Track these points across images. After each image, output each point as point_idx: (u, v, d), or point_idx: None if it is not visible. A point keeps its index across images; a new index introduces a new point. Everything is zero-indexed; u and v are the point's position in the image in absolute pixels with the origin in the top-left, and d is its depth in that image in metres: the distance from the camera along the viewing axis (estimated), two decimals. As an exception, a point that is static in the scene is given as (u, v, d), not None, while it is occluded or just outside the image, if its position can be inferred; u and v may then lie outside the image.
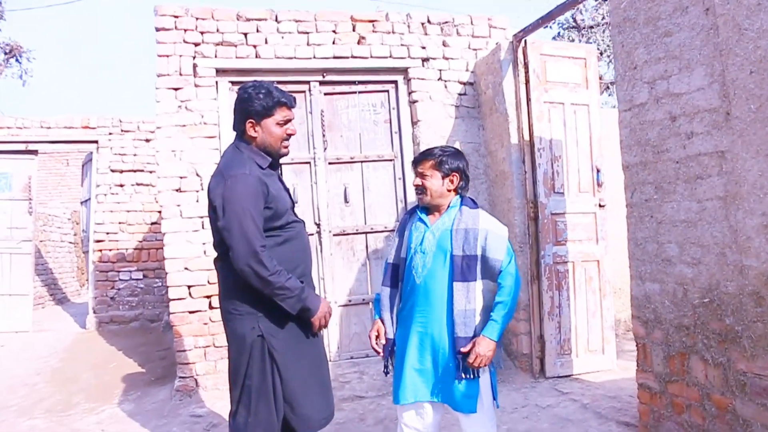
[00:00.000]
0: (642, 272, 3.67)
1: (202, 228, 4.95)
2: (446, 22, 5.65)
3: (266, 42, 5.22)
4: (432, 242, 2.88)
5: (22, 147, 8.54)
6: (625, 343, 5.95)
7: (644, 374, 3.71)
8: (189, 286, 4.95)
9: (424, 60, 5.57)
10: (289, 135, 2.80)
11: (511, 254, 2.89)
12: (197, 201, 4.98)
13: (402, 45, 5.50)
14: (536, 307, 5.05)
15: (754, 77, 2.82)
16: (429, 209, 2.99)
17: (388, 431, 4.17)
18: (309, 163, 5.42)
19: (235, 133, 2.83)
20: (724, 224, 3.03)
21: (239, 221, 2.52)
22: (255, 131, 2.73)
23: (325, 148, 5.44)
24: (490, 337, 2.75)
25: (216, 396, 4.89)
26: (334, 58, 5.36)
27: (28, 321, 8.71)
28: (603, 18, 12.38)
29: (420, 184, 2.92)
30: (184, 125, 5.02)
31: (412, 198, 5.54)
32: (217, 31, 5.13)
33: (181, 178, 4.98)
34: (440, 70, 5.60)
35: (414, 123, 5.54)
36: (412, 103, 5.54)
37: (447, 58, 5.62)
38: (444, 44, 5.62)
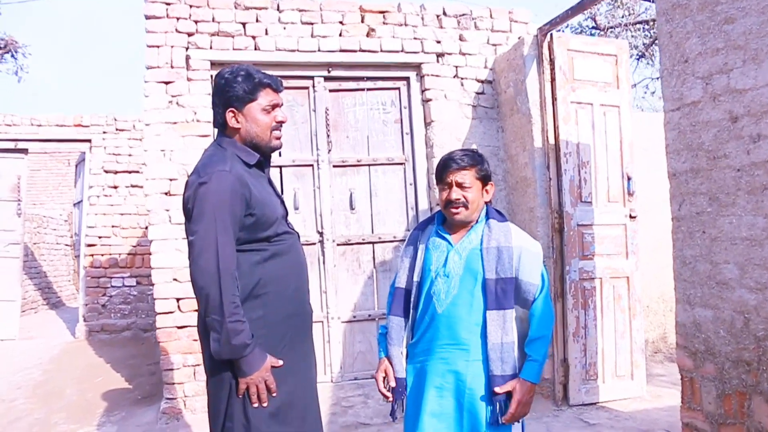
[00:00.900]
0: (691, 296, 3.19)
1: (194, 236, 4.50)
2: (463, 15, 5.19)
3: (266, 33, 4.77)
4: (458, 264, 2.44)
5: (11, 145, 8.11)
6: (653, 365, 5.47)
7: (691, 413, 3.23)
8: (178, 299, 4.50)
9: (439, 55, 5.11)
10: (280, 123, 2.35)
11: (546, 277, 2.46)
12: (188, 206, 4.52)
13: (415, 38, 5.05)
14: (560, 327, 4.58)
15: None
16: (447, 223, 2.55)
17: (395, 469, 3.71)
18: (312, 165, 4.96)
19: (216, 130, 2.40)
20: (800, 244, 2.56)
21: (206, 229, 2.09)
22: (238, 121, 2.29)
23: (330, 150, 4.99)
24: (531, 381, 2.33)
25: (205, 420, 4.39)
26: (341, 51, 4.91)
27: (15, 329, 8.28)
28: (623, 16, 11.89)
29: (461, 197, 2.43)
30: (175, 122, 4.58)
31: (425, 205, 5.08)
32: (213, 20, 4.69)
33: (170, 180, 4.53)
34: (456, 67, 5.14)
35: (427, 124, 5.08)
36: (426, 101, 5.09)
37: (464, 54, 5.16)
38: (461, 38, 5.17)
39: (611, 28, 11.93)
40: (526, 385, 2.32)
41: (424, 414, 2.38)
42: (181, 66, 4.64)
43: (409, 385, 2.51)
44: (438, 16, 5.14)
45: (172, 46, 4.63)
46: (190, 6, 4.65)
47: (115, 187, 8.19)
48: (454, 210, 2.44)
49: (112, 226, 8.17)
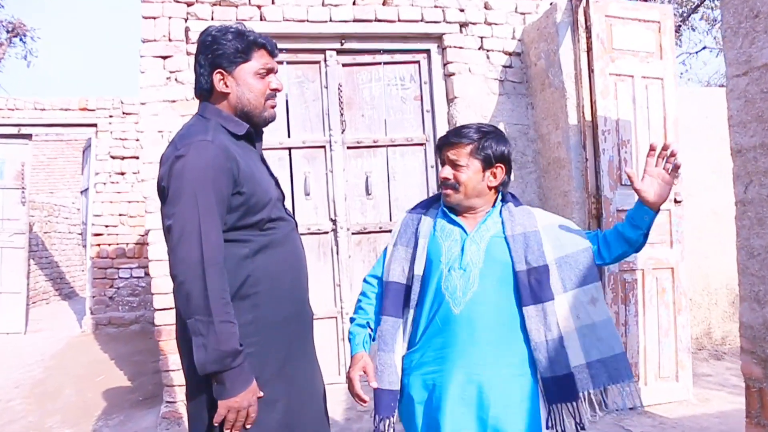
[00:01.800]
0: (760, 293, 2.73)
1: (194, 224, 4.11)
2: (489, -20, 4.73)
3: (273, 2, 4.35)
4: (477, 255, 2.04)
5: (14, 130, 7.80)
6: (697, 364, 5.00)
7: (759, 429, 2.77)
8: (178, 294, 4.12)
9: (463, 25, 4.65)
10: (274, 90, 1.97)
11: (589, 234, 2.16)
12: (188, 191, 4.13)
13: (436, 7, 4.60)
14: (598, 324, 4.13)
15: None
16: (455, 210, 2.14)
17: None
18: (324, 147, 4.55)
19: (199, 102, 2.00)
20: None
21: (186, 211, 1.70)
22: (227, 85, 1.90)
23: (344, 130, 4.56)
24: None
25: (209, 426, 4.06)
26: (355, 21, 4.47)
27: (21, 321, 7.98)
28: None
29: (450, 177, 2.07)
30: (174, 101, 4.18)
31: (447, 190, 4.64)
32: (215, -13, 4.28)
33: (169, 163, 4.13)
34: (481, 38, 4.68)
35: (450, 100, 4.64)
36: (448, 76, 4.63)
37: (489, 24, 4.70)
38: (486, 6, 4.70)
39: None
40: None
41: None
42: (180, 39, 4.24)
43: (417, 401, 2.08)
44: (461, -18, 4.68)
45: (170, 17, 4.23)
46: (189, -28, 4.25)
47: (122, 174, 7.84)
48: (444, 192, 2.10)
49: (120, 215, 7.83)
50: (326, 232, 4.52)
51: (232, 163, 1.77)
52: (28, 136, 8.00)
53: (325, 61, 4.56)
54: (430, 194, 4.67)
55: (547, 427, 2.00)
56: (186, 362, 1.88)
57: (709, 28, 13.20)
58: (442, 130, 4.64)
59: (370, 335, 2.18)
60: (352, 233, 4.57)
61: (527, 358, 2.02)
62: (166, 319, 4.12)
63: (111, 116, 7.85)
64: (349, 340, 2.19)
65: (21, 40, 11.97)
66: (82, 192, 8.90)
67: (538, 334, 1.99)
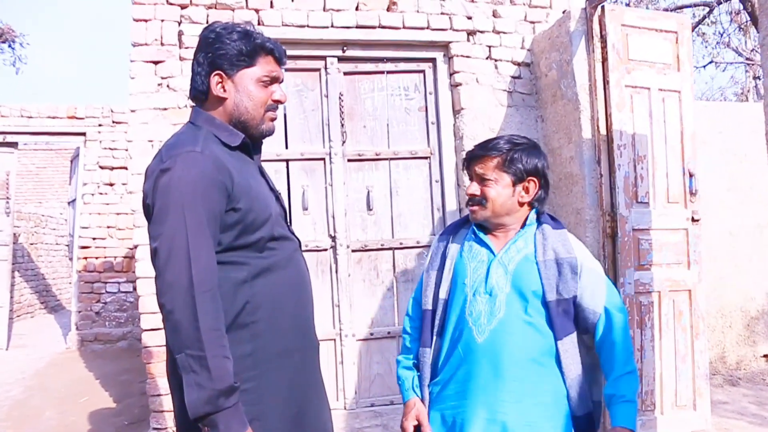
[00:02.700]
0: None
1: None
2: (497, -12, 4.53)
3: (272, 5, 4.13)
4: (503, 279, 1.86)
5: (-1, 139, 7.53)
6: (713, 391, 4.78)
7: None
8: (167, 314, 3.86)
9: (470, 33, 4.44)
10: (277, 102, 1.77)
11: (617, 298, 1.94)
12: (179, 205, 3.89)
13: (443, 14, 4.38)
14: (612, 349, 3.91)
15: None
16: (485, 229, 1.97)
17: None
18: (323, 159, 4.31)
19: (193, 106, 1.80)
20: None
21: (173, 230, 1.49)
22: (225, 89, 1.70)
23: (344, 142, 4.34)
24: (630, 428, 1.81)
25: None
26: (357, 27, 4.25)
27: (2, 337, 7.71)
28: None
29: (477, 192, 1.91)
30: (165, 108, 3.95)
31: (453, 206, 4.42)
32: (210, -11, 4.06)
33: (159, 175, 3.89)
34: (489, 47, 4.47)
35: (456, 112, 4.41)
36: (454, 86, 4.42)
37: (498, 32, 4.49)
38: (494, 14, 4.50)
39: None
40: None
41: None
42: (173, 43, 4.01)
43: None
44: (469, -11, 4.48)
45: (162, 20, 4.00)
46: (184, -27, 4.02)
47: (111, 185, 7.59)
48: (471, 209, 1.95)
49: (108, 227, 7.57)
50: (325, 250, 4.28)
51: (225, 177, 1.57)
52: (14, 145, 7.75)
53: (326, 68, 4.34)
54: (435, 210, 4.45)
55: None
56: (177, 400, 1.66)
57: (717, 41, 13.07)
58: (448, 142, 4.42)
59: (419, 376, 2.02)
60: (353, 251, 4.32)
61: (559, 398, 1.83)
62: (154, 340, 3.86)
63: (100, 125, 7.61)
64: (399, 385, 2.05)
65: (9, 46, 11.73)
66: (69, 203, 8.63)
67: (572, 369, 1.82)
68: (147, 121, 3.93)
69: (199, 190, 1.51)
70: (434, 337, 1.97)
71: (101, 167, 7.59)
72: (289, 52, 4.15)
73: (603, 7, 3.96)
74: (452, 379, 1.89)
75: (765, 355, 5.29)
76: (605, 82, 3.96)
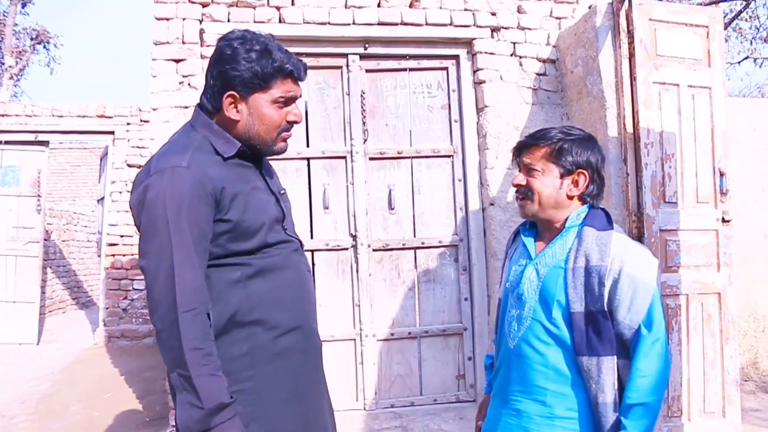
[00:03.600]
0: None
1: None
2: (522, -17, 4.45)
3: (293, 3, 4.11)
4: (533, 286, 1.78)
5: (31, 137, 7.65)
6: (743, 397, 4.63)
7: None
8: (187, 312, 3.87)
9: (494, 30, 4.37)
10: (291, 123, 1.71)
11: (659, 317, 1.70)
12: (200, 203, 3.88)
13: (466, 10, 4.32)
14: (638, 353, 3.81)
15: None
16: (539, 227, 1.90)
17: None
18: (344, 158, 4.28)
19: (198, 109, 1.74)
20: None
21: (159, 249, 1.48)
22: (237, 111, 1.65)
23: (366, 140, 4.30)
24: None
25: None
26: (379, 25, 4.20)
27: (34, 332, 7.80)
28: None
29: (524, 183, 1.82)
30: (186, 107, 3.95)
31: (476, 205, 4.35)
32: (231, -13, 4.05)
33: (179, 173, 3.90)
34: (514, 44, 4.39)
35: (479, 109, 4.35)
36: (478, 84, 4.35)
37: (523, 29, 4.41)
38: (519, 10, 4.42)
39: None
40: None
41: None
42: (194, 41, 4.01)
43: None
44: (493, -16, 4.40)
45: (183, 19, 4.01)
46: (205, -29, 4.02)
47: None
48: (519, 202, 1.85)
49: (135, 225, 7.62)
50: (346, 249, 4.25)
51: (213, 189, 1.53)
52: (45, 143, 7.85)
53: (348, 66, 4.30)
54: (457, 209, 4.39)
55: None
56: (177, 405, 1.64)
57: (754, 35, 12.73)
58: (471, 141, 4.36)
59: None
60: (374, 250, 4.28)
61: (587, 416, 1.71)
62: (173, 339, 3.87)
63: (128, 123, 7.69)
64: (486, 373, 2.11)
65: (44, 47, 11.92)
66: (98, 201, 8.74)
67: (602, 395, 1.67)
68: (169, 120, 3.94)
69: (185, 207, 1.49)
70: (494, 335, 2.01)
71: (129, 165, 7.67)
72: (310, 50, 4.17)
73: (630, 2, 3.84)
74: (497, 379, 1.89)
75: (800, 361, 5.12)
76: (632, 79, 3.85)
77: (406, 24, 4.23)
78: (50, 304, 10.42)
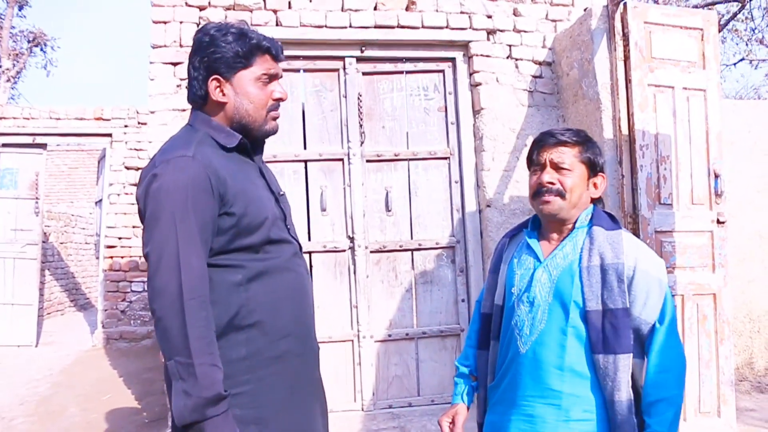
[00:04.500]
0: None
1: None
2: (518, -14, 4.47)
3: (290, 6, 4.13)
4: (546, 288, 1.78)
5: (29, 140, 7.68)
6: (739, 397, 4.66)
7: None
8: (185, 314, 3.88)
9: (490, 32, 4.39)
10: (278, 100, 1.74)
11: (672, 311, 1.74)
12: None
13: (462, 13, 4.34)
14: (634, 354, 3.83)
15: None
16: (541, 229, 1.89)
17: None
18: (341, 160, 4.30)
19: (195, 110, 1.78)
20: None
21: (164, 238, 1.49)
22: (224, 94, 1.68)
23: (363, 142, 4.32)
24: None
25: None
26: (376, 27, 4.23)
27: (32, 334, 7.82)
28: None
29: (555, 181, 1.79)
30: (184, 110, 3.96)
31: (473, 207, 4.37)
32: (228, -9, 4.07)
33: (177, 176, 3.91)
34: (510, 46, 4.42)
35: (476, 112, 4.37)
36: (474, 86, 4.38)
37: (519, 31, 4.44)
38: (515, 13, 4.45)
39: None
40: None
41: None
42: (192, 39, 4.02)
43: None
44: (489, -12, 4.43)
45: (181, 22, 4.03)
46: (202, -25, 4.04)
47: (136, 185, 7.66)
48: (545, 199, 1.78)
49: (133, 227, 7.65)
50: (343, 250, 4.27)
51: (217, 181, 1.55)
52: (43, 146, 7.88)
53: (344, 69, 4.32)
54: (454, 211, 4.41)
55: None
56: (173, 404, 1.65)
57: (749, 37, 12.77)
58: (468, 143, 4.38)
59: (473, 387, 2.02)
60: (371, 252, 4.30)
61: (603, 418, 1.71)
62: (172, 341, 3.88)
63: (126, 126, 7.72)
64: (454, 386, 2.06)
65: (41, 49, 11.93)
66: (96, 203, 8.75)
67: (618, 394, 1.68)
68: (166, 122, 3.95)
69: (190, 197, 1.51)
70: (492, 341, 1.94)
71: (127, 168, 7.69)
72: (306, 53, 4.20)
73: (625, 4, 3.88)
74: (502, 386, 1.86)
75: (796, 361, 5.15)
76: (627, 81, 3.88)
77: (402, 27, 4.26)
78: (48, 306, 10.43)
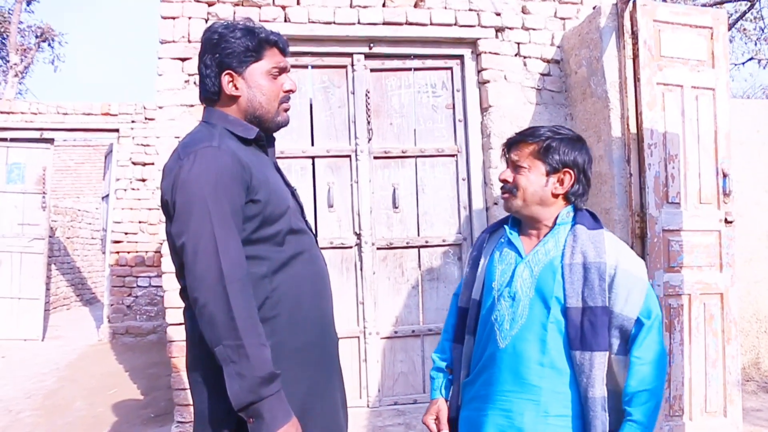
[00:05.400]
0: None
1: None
2: (527, -17, 4.46)
3: (298, 2, 4.13)
4: (527, 283, 1.79)
5: (36, 134, 7.69)
6: (746, 397, 4.65)
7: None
8: (192, 309, 3.89)
9: (499, 30, 4.39)
10: (288, 92, 1.78)
11: (656, 308, 1.75)
12: (205, 201, 3.90)
13: (471, 10, 4.33)
14: (640, 353, 3.82)
15: None
16: (521, 225, 1.91)
17: None
18: (349, 156, 4.30)
19: (203, 108, 1.83)
20: None
21: (199, 225, 1.50)
22: (237, 87, 1.72)
23: (370, 139, 4.32)
24: None
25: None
26: (384, 24, 4.22)
27: (39, 328, 7.87)
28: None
29: (509, 179, 1.85)
30: (192, 105, 3.98)
31: (480, 204, 4.37)
32: (237, -14, 4.07)
33: (185, 171, 3.92)
34: (518, 44, 4.41)
35: (484, 109, 4.37)
36: (482, 83, 4.37)
37: (527, 29, 4.43)
38: (524, 11, 4.44)
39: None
40: None
41: None
42: (200, 40, 4.02)
43: None
44: (497, -15, 4.42)
45: (189, 18, 4.03)
46: (211, -29, 4.04)
47: (143, 180, 7.69)
48: (503, 196, 1.88)
49: (139, 222, 7.68)
50: (350, 247, 4.27)
51: (244, 170, 1.58)
52: (50, 141, 7.89)
53: (353, 65, 4.32)
54: (461, 208, 4.41)
55: None
56: (197, 396, 1.66)
57: (758, 36, 12.72)
58: (475, 140, 4.38)
59: (450, 380, 2.02)
60: (378, 248, 4.31)
61: (580, 415, 1.73)
62: (179, 335, 3.90)
63: (133, 121, 7.73)
64: (431, 381, 2.06)
65: (49, 45, 11.96)
66: (103, 198, 8.78)
67: (592, 390, 1.70)
68: (174, 118, 3.96)
69: (220, 184, 1.53)
70: (468, 336, 1.95)
71: (134, 163, 7.71)
72: (314, 49, 4.21)
73: (634, 3, 3.87)
74: (478, 381, 1.87)
75: (802, 362, 5.14)
76: (636, 80, 3.87)
77: (410, 24, 4.25)
78: (55, 300, 10.48)
